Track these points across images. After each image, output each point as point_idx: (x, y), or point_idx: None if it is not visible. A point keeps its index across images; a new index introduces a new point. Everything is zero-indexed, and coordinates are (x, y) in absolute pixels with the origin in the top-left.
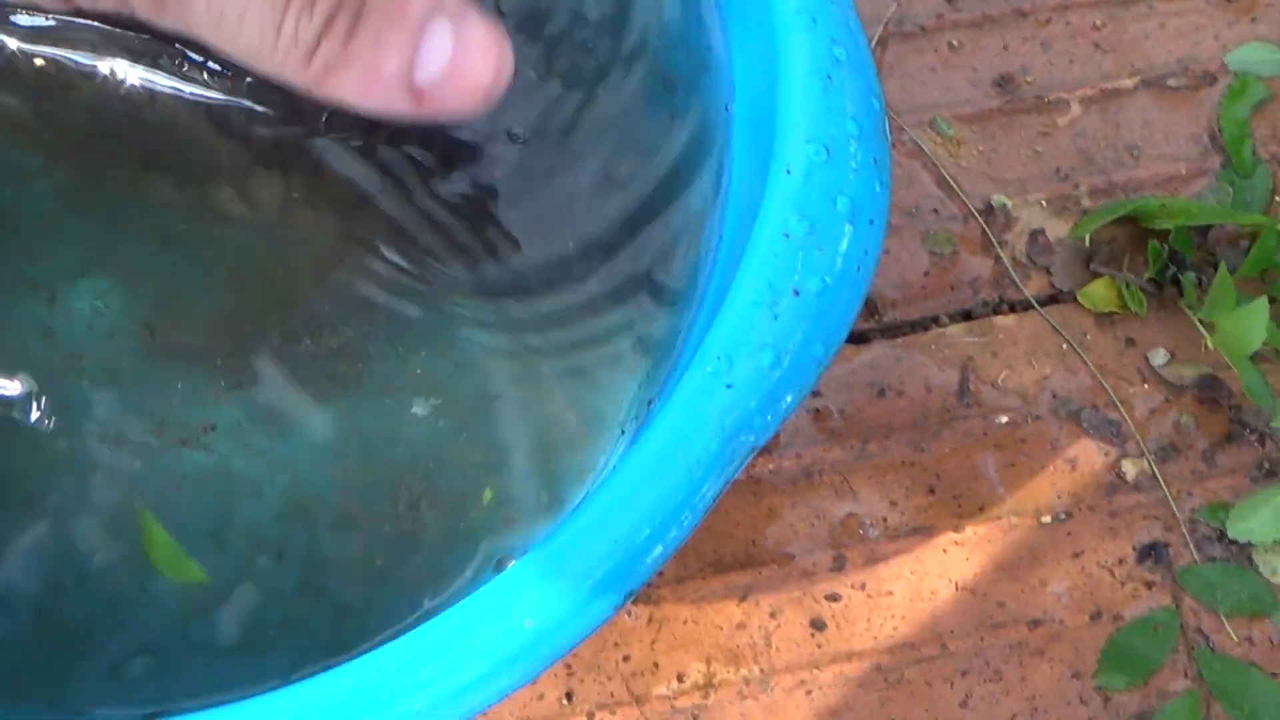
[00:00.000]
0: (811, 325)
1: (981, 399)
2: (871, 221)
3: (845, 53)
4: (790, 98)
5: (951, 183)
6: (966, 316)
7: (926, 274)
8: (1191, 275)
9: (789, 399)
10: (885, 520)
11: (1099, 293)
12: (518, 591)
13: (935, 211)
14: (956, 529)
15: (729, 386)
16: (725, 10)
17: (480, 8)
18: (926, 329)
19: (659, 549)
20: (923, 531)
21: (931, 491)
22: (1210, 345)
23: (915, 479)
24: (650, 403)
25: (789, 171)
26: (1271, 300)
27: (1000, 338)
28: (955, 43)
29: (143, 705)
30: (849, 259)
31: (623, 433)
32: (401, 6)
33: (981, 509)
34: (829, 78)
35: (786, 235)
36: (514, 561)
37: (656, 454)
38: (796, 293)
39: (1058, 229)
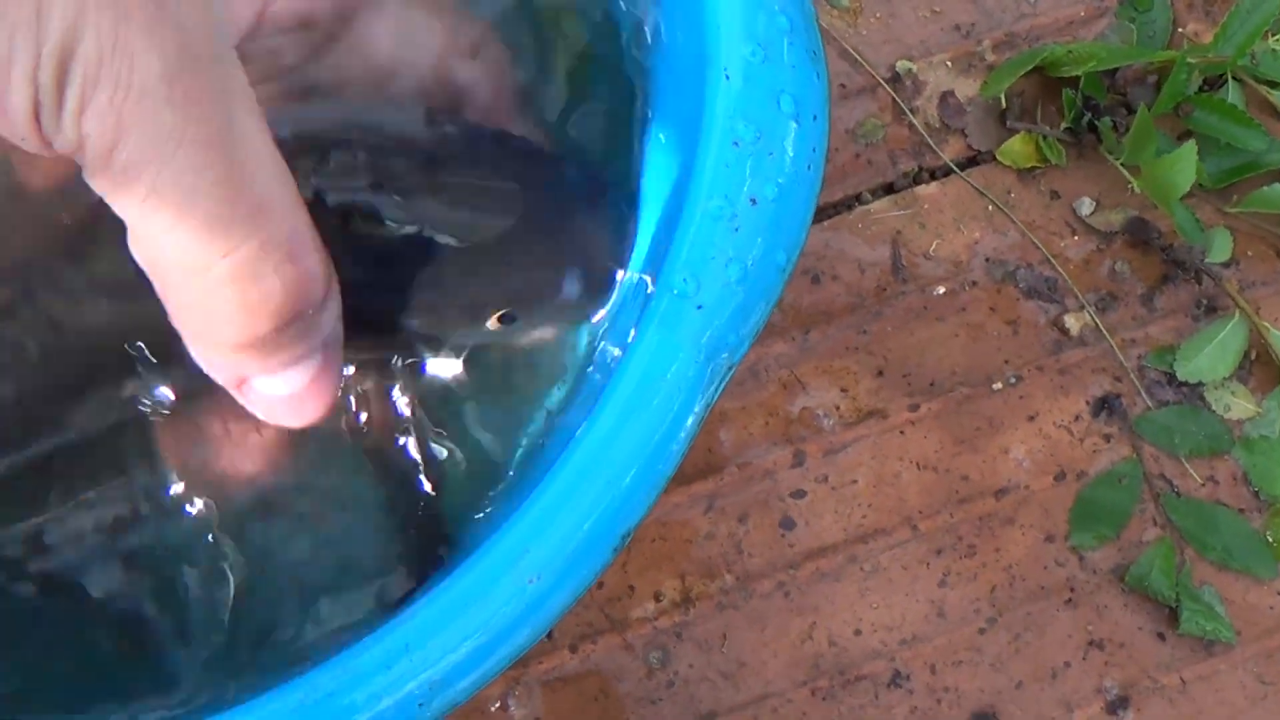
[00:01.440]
0: (772, 232)
1: (916, 272)
2: (815, 117)
3: None
4: None
5: (854, 54)
6: (889, 190)
7: (842, 151)
8: (1107, 120)
9: (759, 312)
10: (839, 409)
11: (1017, 149)
12: (518, 552)
13: (842, 85)
14: (910, 408)
15: (699, 307)
16: None
17: None
18: (851, 209)
19: (650, 484)
20: (877, 415)
21: (880, 374)
22: (1136, 189)
23: (862, 363)
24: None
25: (728, 76)
26: (1188, 134)
27: (926, 207)
28: None
29: None
30: (799, 159)
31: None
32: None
33: (932, 384)
34: None
35: (735, 143)
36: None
37: (635, 387)
38: (754, 201)
39: (967, 88)
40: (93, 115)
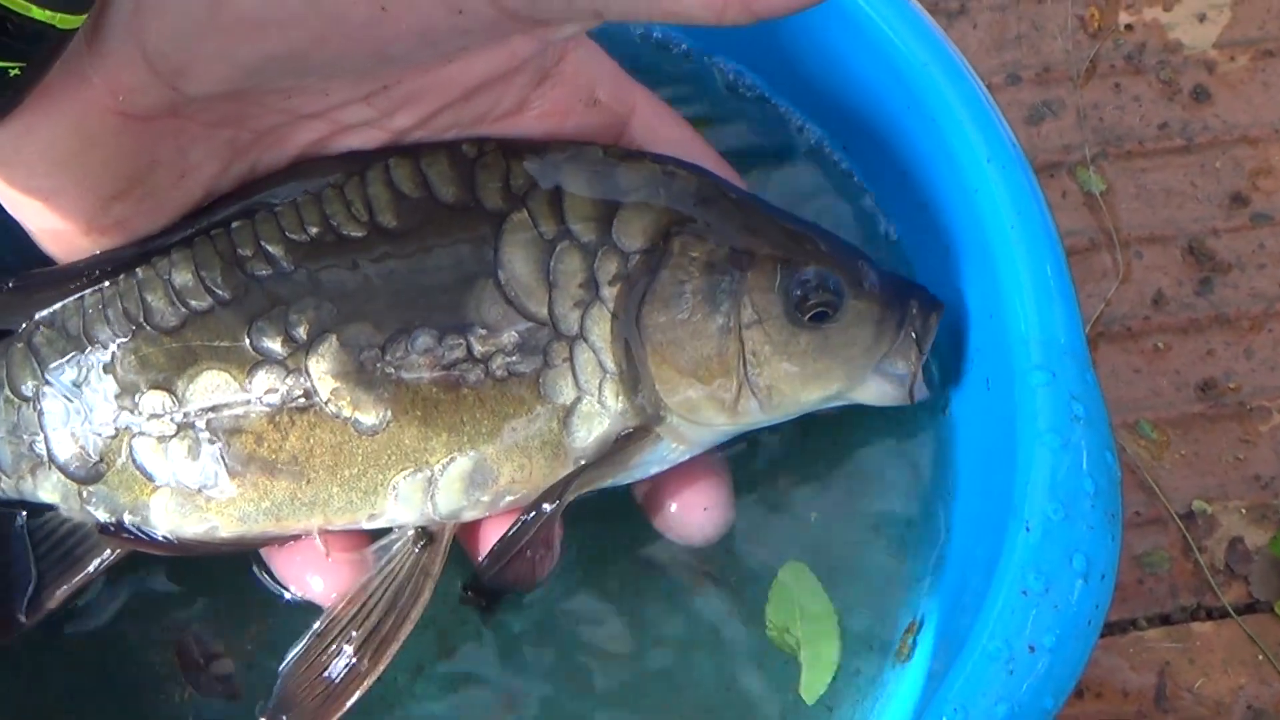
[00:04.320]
0: (1044, 680)
1: (1178, 704)
2: (1103, 576)
3: (1084, 409)
4: (1029, 454)
5: (1153, 486)
6: (1165, 620)
7: (1126, 575)
8: None
9: None
10: None
11: None
12: None
13: (1136, 513)
14: None
15: None
16: (968, 365)
17: None
18: (1125, 631)
19: None
20: None
21: None
22: None
23: None
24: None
25: (1028, 529)
26: None
27: (1197, 644)
28: (1160, 345)
29: None
30: (1080, 615)
31: None
32: None
33: None
34: (1068, 435)
35: (1024, 592)
36: None
37: None
38: (1031, 649)
39: (1257, 537)
40: None
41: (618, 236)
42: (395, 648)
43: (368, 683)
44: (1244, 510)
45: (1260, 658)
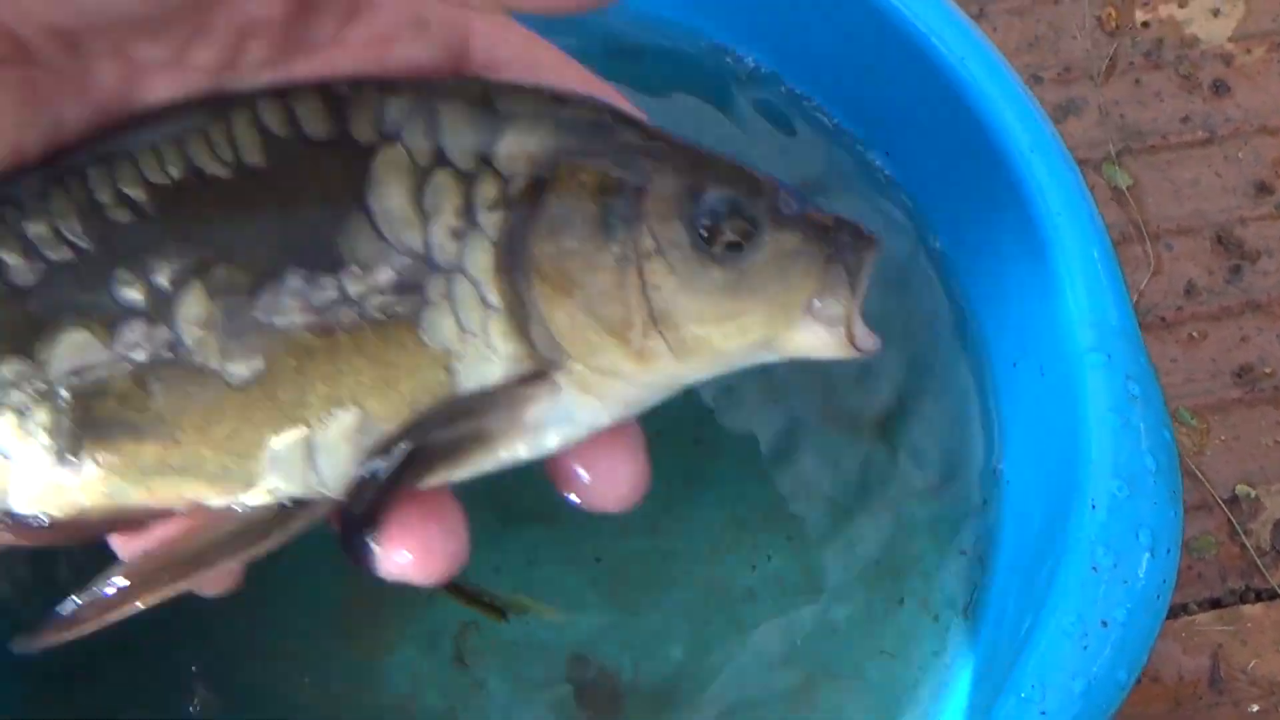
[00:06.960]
0: (1116, 653)
1: (1233, 687)
2: (1169, 551)
3: (1140, 388)
4: (1090, 435)
5: (1197, 472)
6: (1215, 604)
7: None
8: None
9: None
10: None
11: None
12: None
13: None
14: None
15: (1042, 714)
16: (1020, 352)
17: None
18: (1176, 616)
19: None
20: None
21: None
22: None
23: None
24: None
25: (1094, 506)
26: None
27: (1248, 626)
28: (1195, 334)
29: None
30: (1149, 588)
31: None
32: None
33: None
34: (1127, 415)
35: (1094, 569)
36: None
37: None
38: (1104, 624)
39: None
40: None
41: (499, 162)
42: (186, 583)
43: (136, 606)
44: None
45: None
